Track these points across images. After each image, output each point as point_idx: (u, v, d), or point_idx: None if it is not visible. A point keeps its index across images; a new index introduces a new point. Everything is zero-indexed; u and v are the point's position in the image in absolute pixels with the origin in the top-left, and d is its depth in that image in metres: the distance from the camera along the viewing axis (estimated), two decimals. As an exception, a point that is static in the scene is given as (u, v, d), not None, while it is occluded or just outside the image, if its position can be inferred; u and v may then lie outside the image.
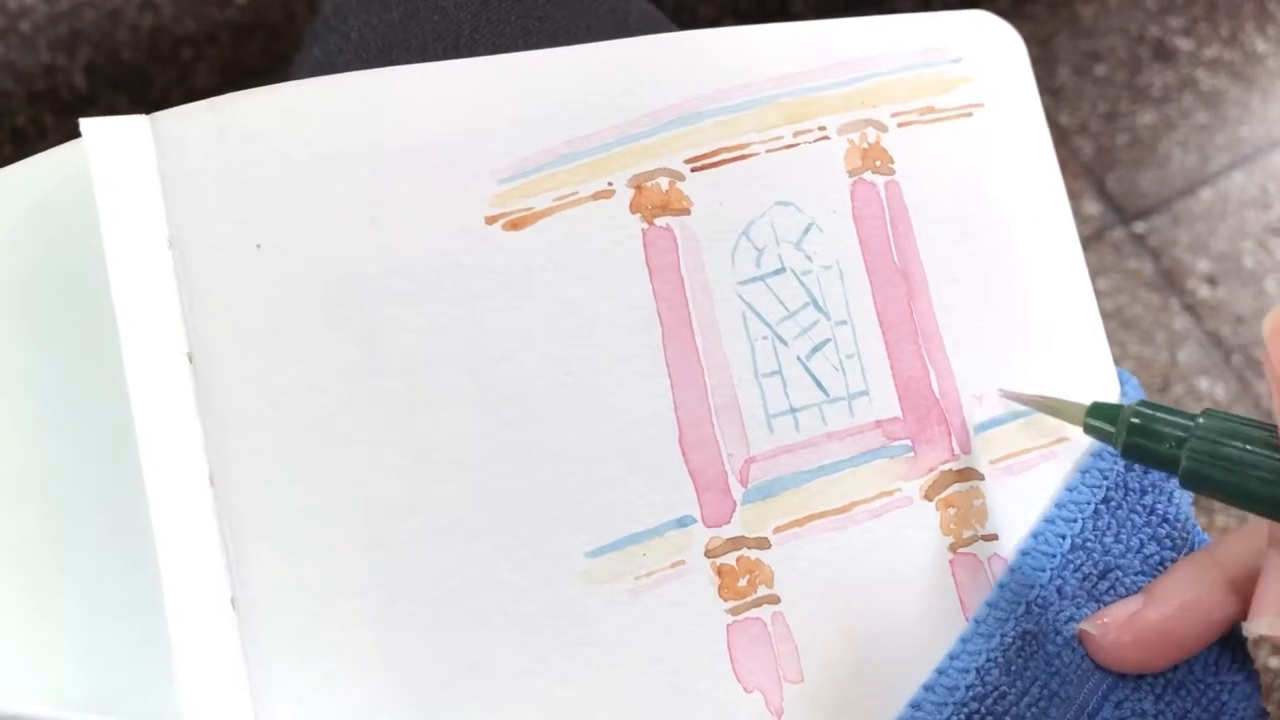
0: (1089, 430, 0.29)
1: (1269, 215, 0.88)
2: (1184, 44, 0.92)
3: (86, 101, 0.83)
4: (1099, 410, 0.29)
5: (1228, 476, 0.26)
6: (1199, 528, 0.32)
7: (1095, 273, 0.85)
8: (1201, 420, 0.27)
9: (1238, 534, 0.29)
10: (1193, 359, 0.84)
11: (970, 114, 0.33)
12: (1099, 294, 0.84)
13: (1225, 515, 0.79)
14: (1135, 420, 0.28)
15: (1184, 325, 0.85)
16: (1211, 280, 0.86)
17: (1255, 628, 0.28)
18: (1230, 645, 0.31)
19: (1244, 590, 0.29)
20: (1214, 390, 0.83)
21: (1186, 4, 0.93)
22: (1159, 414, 0.28)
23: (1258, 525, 0.28)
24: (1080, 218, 0.87)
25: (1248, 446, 0.26)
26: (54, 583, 0.27)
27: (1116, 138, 0.90)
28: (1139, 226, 0.87)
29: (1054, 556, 0.30)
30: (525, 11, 0.37)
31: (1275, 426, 0.26)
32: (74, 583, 0.27)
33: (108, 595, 0.27)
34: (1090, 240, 0.87)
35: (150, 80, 0.85)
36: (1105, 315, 0.83)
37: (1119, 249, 0.87)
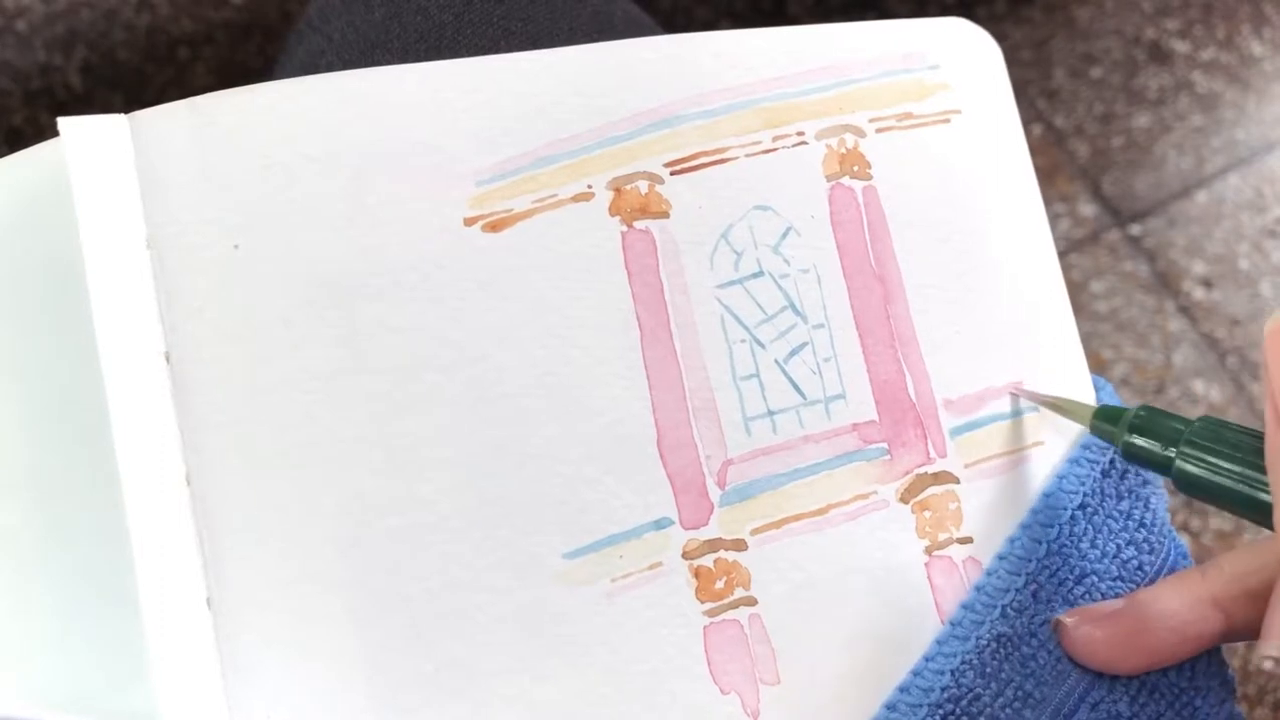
0: (1095, 430, 0.30)
1: (1264, 218, 0.88)
2: (1180, 46, 0.92)
3: (82, 101, 0.83)
4: (1104, 412, 0.30)
5: (1216, 480, 0.27)
6: (1175, 535, 0.32)
7: (1090, 275, 0.85)
8: (1196, 424, 0.28)
9: (1233, 554, 0.29)
10: (1188, 361, 0.84)
11: (947, 120, 0.33)
12: (1094, 296, 0.84)
13: (1220, 519, 0.79)
14: (1135, 422, 0.29)
15: (1179, 327, 0.85)
16: (1207, 282, 0.86)
17: (1266, 649, 0.27)
18: (1206, 650, 0.31)
19: (1229, 609, 0.29)
20: (1209, 392, 0.83)
21: (1182, 6, 0.93)
22: (1157, 418, 0.29)
23: (1258, 547, 0.29)
24: (1076, 220, 0.87)
25: (1237, 452, 0.27)
26: (33, 582, 0.27)
27: (1112, 140, 0.90)
28: (1134, 229, 0.87)
29: (1030, 561, 0.30)
30: (507, 13, 0.37)
31: (1264, 434, 0.26)
32: (53, 582, 0.27)
33: (87, 595, 0.27)
34: (1086, 242, 0.87)
35: (147, 80, 0.85)
36: (1100, 317, 0.83)
37: (1115, 251, 0.87)
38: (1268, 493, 0.25)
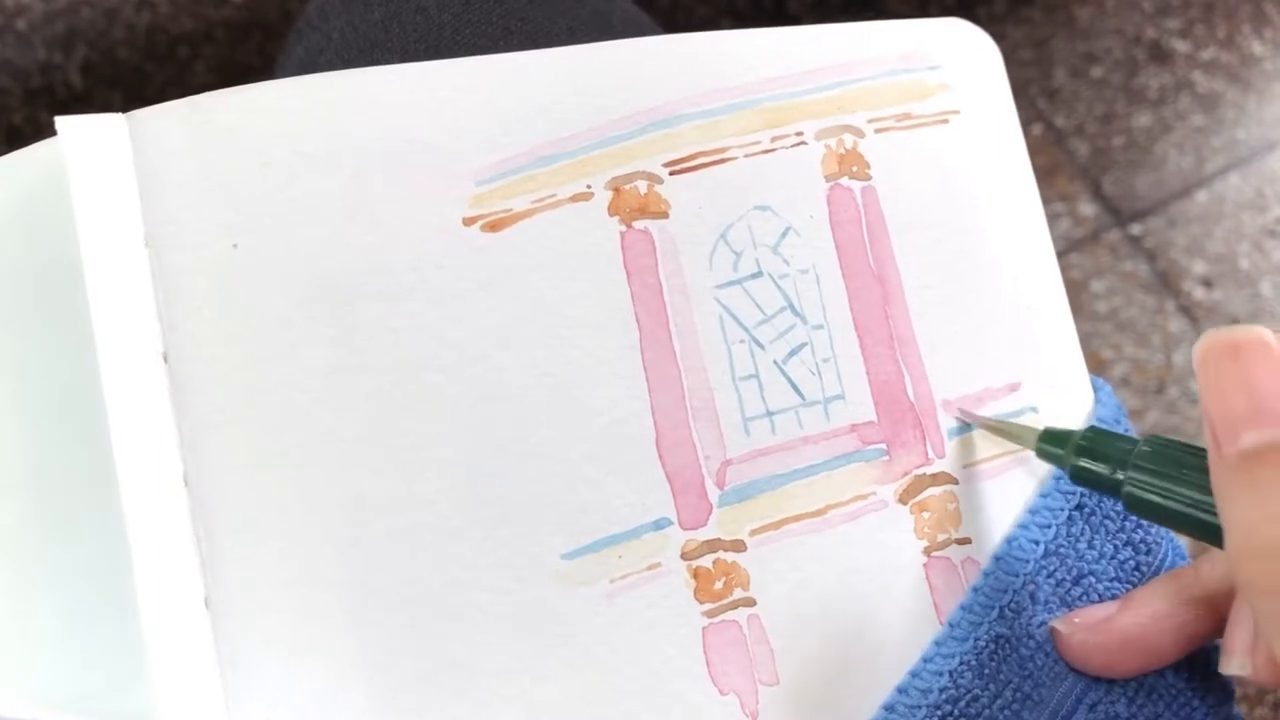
0: (1041, 455, 0.30)
1: (1265, 217, 0.88)
2: (1180, 46, 0.92)
3: (82, 100, 0.83)
4: (1050, 436, 0.29)
5: (1163, 501, 0.26)
6: (1172, 534, 0.32)
7: (1091, 274, 0.85)
8: (1142, 446, 0.27)
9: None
10: (1188, 361, 0.84)
11: (947, 121, 0.33)
12: (1094, 296, 0.84)
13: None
14: (1082, 444, 0.28)
15: (1180, 327, 0.85)
16: (1207, 282, 0.86)
17: (1226, 667, 0.28)
18: (1204, 650, 0.31)
19: (1223, 608, 0.29)
20: (1208, 393, 0.83)
21: (1183, 6, 0.93)
22: (1104, 440, 0.28)
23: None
24: (1076, 219, 0.87)
25: (1184, 472, 0.26)
26: (33, 582, 0.27)
27: (1113, 139, 0.90)
28: (1135, 228, 0.87)
29: (1027, 562, 0.30)
30: (507, 13, 0.37)
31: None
32: (53, 582, 0.27)
33: (87, 595, 0.27)
34: (1086, 242, 0.87)
35: (147, 79, 0.85)
36: (1101, 317, 0.83)
37: (1115, 251, 0.87)
38: (1215, 515, 0.24)
